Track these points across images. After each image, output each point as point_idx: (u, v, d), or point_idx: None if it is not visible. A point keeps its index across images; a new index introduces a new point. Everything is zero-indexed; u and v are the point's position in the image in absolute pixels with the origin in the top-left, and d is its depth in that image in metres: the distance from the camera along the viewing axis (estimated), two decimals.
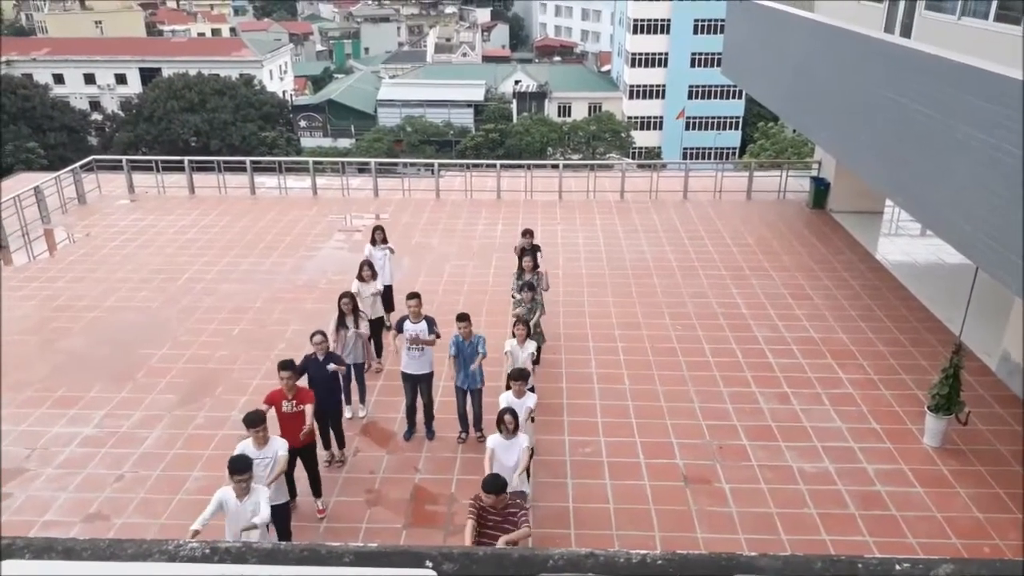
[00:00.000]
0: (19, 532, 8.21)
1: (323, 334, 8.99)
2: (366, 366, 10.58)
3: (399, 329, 9.62)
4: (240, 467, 6.62)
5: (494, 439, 7.58)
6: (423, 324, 9.52)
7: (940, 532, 8.38)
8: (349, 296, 10.01)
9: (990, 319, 11.63)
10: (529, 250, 11.74)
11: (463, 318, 9.34)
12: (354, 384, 10.28)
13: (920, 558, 2.03)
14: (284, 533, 7.75)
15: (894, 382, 11.25)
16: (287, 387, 8.06)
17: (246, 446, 7.32)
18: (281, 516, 7.63)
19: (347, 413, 10.01)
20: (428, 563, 2.13)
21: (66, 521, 8.57)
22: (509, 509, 6.54)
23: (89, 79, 66.25)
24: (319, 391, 8.62)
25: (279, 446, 7.42)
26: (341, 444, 9.50)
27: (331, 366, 8.81)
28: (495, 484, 6.49)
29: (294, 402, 8.07)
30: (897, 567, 2.07)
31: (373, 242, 12.16)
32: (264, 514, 6.57)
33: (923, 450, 9.75)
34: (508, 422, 7.46)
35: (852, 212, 18.03)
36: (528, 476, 8.06)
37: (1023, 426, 10.23)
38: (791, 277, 14.88)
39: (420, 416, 10.03)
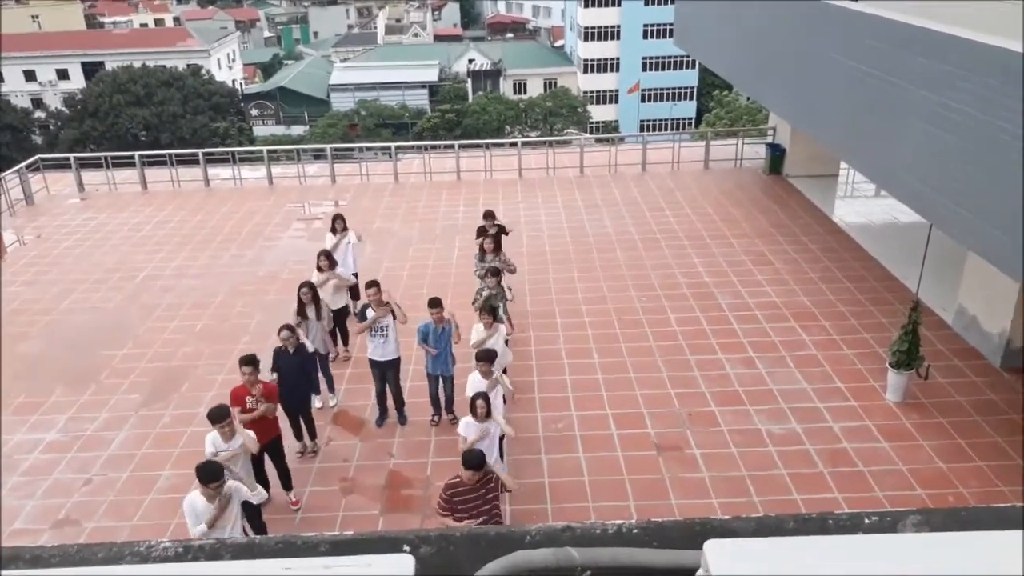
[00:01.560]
0: None
1: (290, 328, 8.90)
2: (331, 355, 10.49)
3: (362, 317, 9.54)
4: (210, 476, 6.44)
5: (466, 423, 7.58)
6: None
7: (906, 484, 8.61)
8: (308, 286, 9.91)
9: (945, 275, 11.90)
10: (493, 233, 11.66)
11: (435, 303, 9.27)
12: (321, 374, 10.19)
13: (888, 511, 2.07)
14: (258, 526, 7.68)
15: (856, 341, 11.48)
16: (249, 383, 7.96)
17: (214, 439, 7.24)
18: (252, 509, 7.57)
19: (316, 403, 9.93)
20: (405, 547, 2.12)
21: (35, 529, 8.39)
22: (484, 481, 6.58)
23: (29, 76, 64.28)
24: (288, 383, 8.56)
25: (245, 436, 7.36)
26: (312, 435, 9.44)
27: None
28: (477, 460, 6.52)
29: (257, 399, 7.98)
30: (866, 520, 2.11)
31: (334, 231, 12.00)
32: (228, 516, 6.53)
33: (886, 406, 9.98)
34: (480, 407, 7.46)
35: (808, 176, 18.28)
36: (502, 455, 8.10)
37: (980, 377, 10.52)
38: (751, 243, 15.06)
39: (391, 401, 9.99)
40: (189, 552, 2.21)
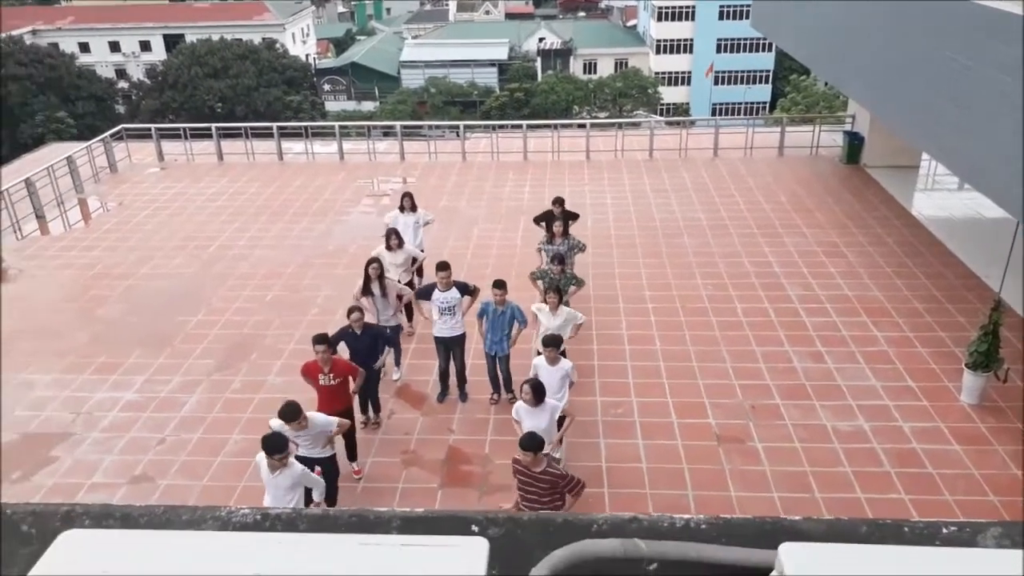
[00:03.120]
0: (68, 494, 8.49)
1: (360, 311, 9.04)
2: (403, 330, 10.66)
3: (426, 296, 9.65)
4: (274, 447, 6.57)
5: (519, 406, 7.62)
6: (453, 291, 9.57)
7: (978, 489, 8.32)
8: (376, 261, 10.06)
9: None
10: (559, 215, 11.53)
11: (500, 285, 9.32)
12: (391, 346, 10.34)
13: (967, 521, 2.02)
14: (332, 488, 7.85)
15: (931, 339, 11.10)
16: (322, 360, 8.10)
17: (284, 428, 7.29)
18: (330, 470, 7.75)
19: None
20: (474, 527, 2.16)
21: (113, 483, 8.82)
22: (548, 478, 6.60)
23: (114, 47, 66.46)
24: (357, 363, 8.73)
25: (322, 422, 7.49)
26: (377, 409, 9.63)
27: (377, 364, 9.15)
28: (532, 442, 6.53)
29: (331, 375, 8.13)
30: (944, 530, 2.05)
31: (402, 208, 12.13)
32: (320, 488, 6.79)
33: (960, 407, 9.65)
34: (526, 392, 7.45)
35: (887, 167, 17.64)
36: (560, 441, 8.10)
37: None
38: (824, 234, 14.66)
39: (453, 379, 10.12)
40: (267, 520, 2.29)
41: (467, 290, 9.68)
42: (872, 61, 13.10)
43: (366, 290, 9.90)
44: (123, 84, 59.77)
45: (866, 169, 17.95)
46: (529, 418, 7.49)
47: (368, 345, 8.96)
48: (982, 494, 8.26)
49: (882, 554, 1.78)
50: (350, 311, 8.98)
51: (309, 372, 8.16)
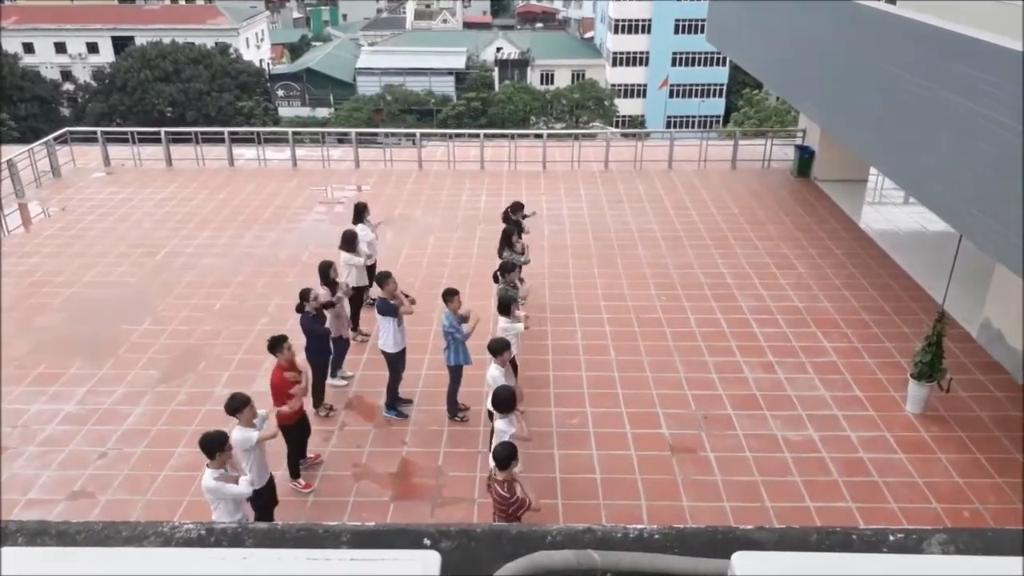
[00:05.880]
0: (2, 512, 8.16)
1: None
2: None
3: (384, 309, 9.54)
4: (213, 444, 6.58)
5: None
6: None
7: (921, 497, 8.53)
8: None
9: (972, 287, 11.74)
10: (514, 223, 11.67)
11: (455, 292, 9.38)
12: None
13: (913, 528, 2.04)
14: (266, 516, 7.68)
15: (877, 350, 11.36)
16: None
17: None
18: (264, 498, 7.57)
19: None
20: (426, 540, 2.12)
21: (50, 499, 8.51)
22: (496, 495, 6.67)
23: (60, 48, 64.74)
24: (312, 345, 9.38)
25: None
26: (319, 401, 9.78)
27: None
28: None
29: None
30: (891, 537, 2.08)
31: (361, 219, 12.03)
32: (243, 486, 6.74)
33: (905, 417, 9.88)
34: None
35: (837, 180, 18.08)
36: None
37: (1003, 392, 10.39)
38: (775, 246, 14.93)
39: (407, 389, 10.05)
40: (212, 535, 2.22)
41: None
42: (823, 77, 13.41)
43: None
44: (69, 86, 58.29)
45: (816, 182, 18.37)
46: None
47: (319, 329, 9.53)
48: (925, 501, 8.46)
49: (832, 562, 1.80)
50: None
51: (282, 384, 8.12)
